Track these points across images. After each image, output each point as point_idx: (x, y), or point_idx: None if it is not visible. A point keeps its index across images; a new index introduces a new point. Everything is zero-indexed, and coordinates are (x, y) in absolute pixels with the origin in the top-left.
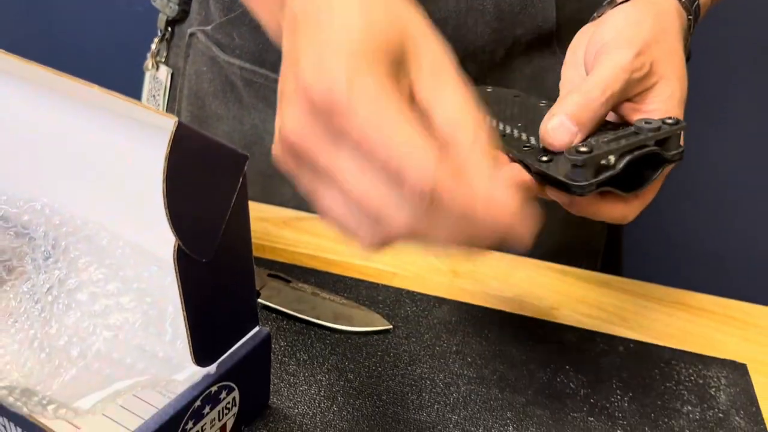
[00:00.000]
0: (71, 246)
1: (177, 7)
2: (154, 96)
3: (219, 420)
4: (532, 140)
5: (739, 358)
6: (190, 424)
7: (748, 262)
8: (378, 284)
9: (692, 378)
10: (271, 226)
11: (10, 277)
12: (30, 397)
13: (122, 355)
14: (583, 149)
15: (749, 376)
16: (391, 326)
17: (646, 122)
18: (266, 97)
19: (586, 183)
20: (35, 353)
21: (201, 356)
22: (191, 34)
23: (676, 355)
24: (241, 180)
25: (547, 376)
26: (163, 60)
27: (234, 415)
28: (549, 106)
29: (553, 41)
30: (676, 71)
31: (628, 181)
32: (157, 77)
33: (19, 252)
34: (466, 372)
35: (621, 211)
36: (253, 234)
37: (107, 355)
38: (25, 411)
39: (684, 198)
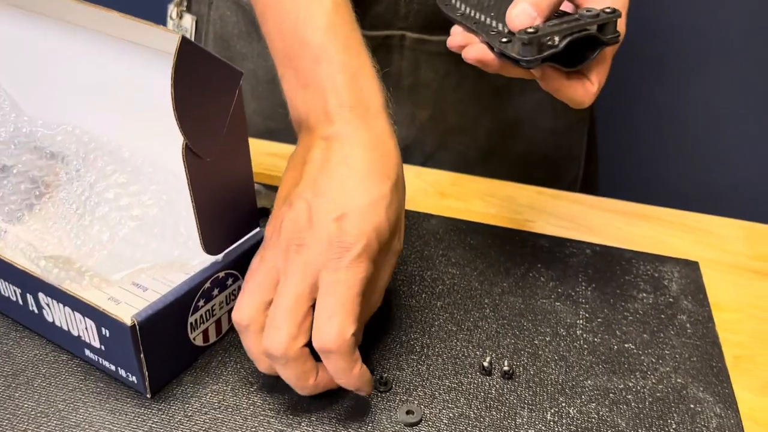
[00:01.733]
0: (99, 158)
1: None
2: None
3: (227, 304)
4: (500, 26)
5: (692, 258)
6: (201, 302)
7: (706, 181)
8: None
9: (649, 272)
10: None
11: (48, 190)
12: (71, 264)
13: (143, 254)
14: (530, 30)
15: (700, 270)
16: None
17: (587, 10)
18: None
19: (532, 58)
20: (72, 242)
21: (209, 244)
22: None
23: (636, 255)
24: (237, 92)
25: (520, 272)
26: (185, 8)
27: None
28: None
29: None
30: None
31: (572, 60)
32: (181, 25)
33: (53, 168)
34: (450, 270)
35: (580, 95)
36: (270, 167)
37: (131, 257)
38: (66, 283)
39: (658, 132)
